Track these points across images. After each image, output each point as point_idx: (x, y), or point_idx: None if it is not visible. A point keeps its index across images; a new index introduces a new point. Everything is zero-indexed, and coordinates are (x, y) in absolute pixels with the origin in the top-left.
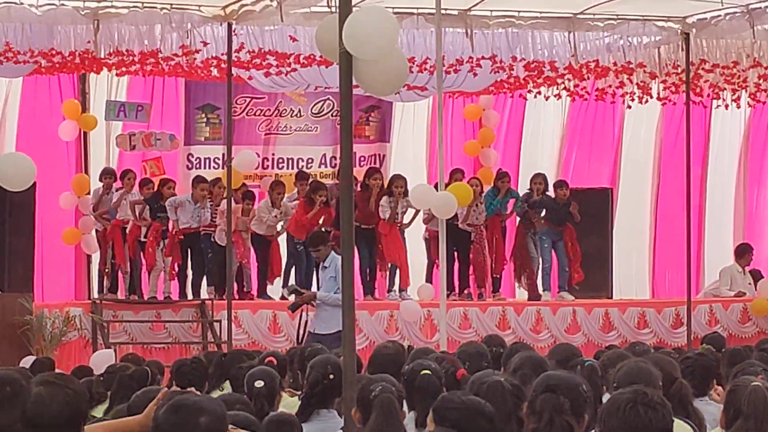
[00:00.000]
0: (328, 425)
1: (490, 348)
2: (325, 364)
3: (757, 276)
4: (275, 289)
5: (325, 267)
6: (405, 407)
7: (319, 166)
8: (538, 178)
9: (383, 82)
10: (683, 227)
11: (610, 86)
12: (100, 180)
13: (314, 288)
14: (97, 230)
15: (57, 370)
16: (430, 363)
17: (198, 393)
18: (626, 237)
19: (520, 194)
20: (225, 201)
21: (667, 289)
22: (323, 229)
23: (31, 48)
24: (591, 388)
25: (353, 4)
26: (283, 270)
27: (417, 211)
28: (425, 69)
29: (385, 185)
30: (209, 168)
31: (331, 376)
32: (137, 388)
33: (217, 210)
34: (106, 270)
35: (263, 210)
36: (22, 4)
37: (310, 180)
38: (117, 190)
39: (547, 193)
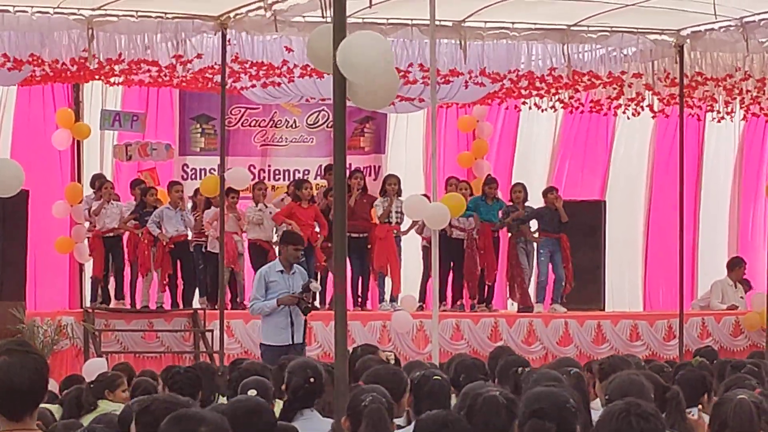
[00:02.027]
0: (311, 423)
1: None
2: (305, 369)
3: (746, 285)
4: None
5: (294, 273)
6: (395, 419)
7: (315, 178)
8: (518, 187)
9: (374, 98)
10: (676, 240)
11: (608, 98)
12: (92, 186)
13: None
14: (89, 239)
15: (18, 341)
16: (438, 370)
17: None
18: (619, 249)
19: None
20: (212, 209)
21: (660, 301)
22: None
23: (24, 55)
24: (579, 396)
25: (347, 14)
26: None
27: (415, 222)
28: (419, 80)
29: (368, 188)
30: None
31: (312, 380)
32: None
33: (200, 215)
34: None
35: (250, 210)
36: (16, 12)
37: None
38: (98, 199)
39: (527, 203)
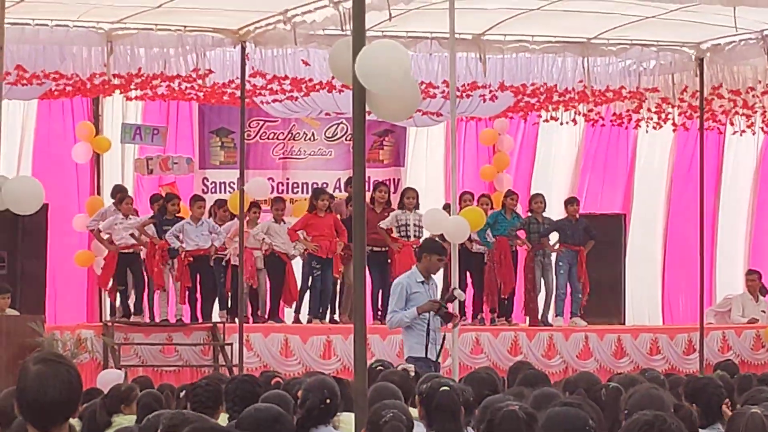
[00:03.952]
0: None
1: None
2: (322, 389)
3: (759, 286)
4: (292, 312)
5: (433, 284)
6: None
7: (334, 191)
8: (538, 198)
9: (395, 109)
10: (696, 253)
11: (628, 111)
12: (113, 197)
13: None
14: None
15: (54, 352)
16: (449, 380)
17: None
18: (639, 263)
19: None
20: (233, 223)
21: (680, 315)
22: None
23: (43, 70)
24: (613, 409)
25: (367, 27)
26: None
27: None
28: (438, 94)
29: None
30: (225, 192)
31: (328, 401)
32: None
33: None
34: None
35: (254, 231)
36: (35, 25)
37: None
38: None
39: (544, 214)
